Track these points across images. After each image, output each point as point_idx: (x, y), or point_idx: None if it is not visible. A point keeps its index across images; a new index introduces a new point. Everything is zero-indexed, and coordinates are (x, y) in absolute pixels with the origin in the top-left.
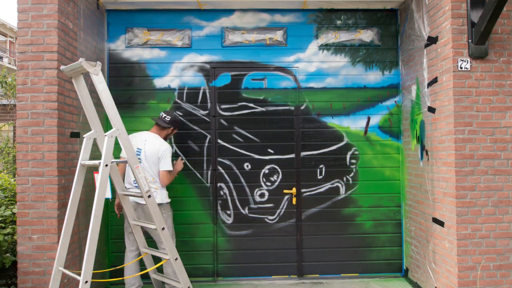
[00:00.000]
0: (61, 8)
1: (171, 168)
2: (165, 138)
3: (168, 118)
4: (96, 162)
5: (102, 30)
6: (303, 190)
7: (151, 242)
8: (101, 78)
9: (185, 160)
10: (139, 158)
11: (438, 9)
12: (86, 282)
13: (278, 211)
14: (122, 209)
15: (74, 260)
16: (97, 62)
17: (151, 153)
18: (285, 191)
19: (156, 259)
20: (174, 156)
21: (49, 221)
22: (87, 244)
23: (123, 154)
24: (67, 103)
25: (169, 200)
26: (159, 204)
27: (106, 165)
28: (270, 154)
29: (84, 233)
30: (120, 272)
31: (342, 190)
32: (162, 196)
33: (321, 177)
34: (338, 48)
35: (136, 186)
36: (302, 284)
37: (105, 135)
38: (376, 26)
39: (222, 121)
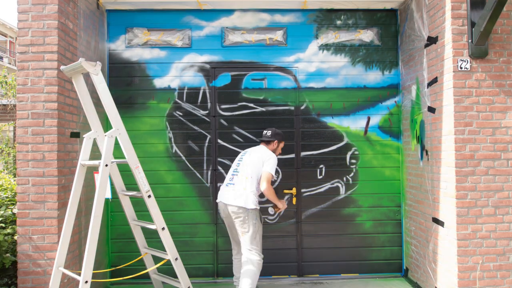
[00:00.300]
0: (61, 8)
1: (273, 173)
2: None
3: (269, 133)
4: (96, 162)
5: (102, 30)
6: (303, 190)
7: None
8: (101, 78)
9: (287, 203)
10: (241, 158)
11: (438, 9)
12: (86, 282)
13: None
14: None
15: (74, 260)
16: (97, 62)
17: (257, 157)
18: (285, 191)
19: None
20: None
21: (49, 221)
22: (87, 244)
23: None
24: (67, 103)
25: (254, 207)
26: (240, 207)
27: (106, 165)
28: None
29: (84, 233)
30: (120, 272)
31: (342, 190)
32: (247, 199)
33: (321, 177)
34: (338, 48)
35: None
36: (302, 284)
37: (105, 135)
38: (376, 26)
39: (222, 121)
